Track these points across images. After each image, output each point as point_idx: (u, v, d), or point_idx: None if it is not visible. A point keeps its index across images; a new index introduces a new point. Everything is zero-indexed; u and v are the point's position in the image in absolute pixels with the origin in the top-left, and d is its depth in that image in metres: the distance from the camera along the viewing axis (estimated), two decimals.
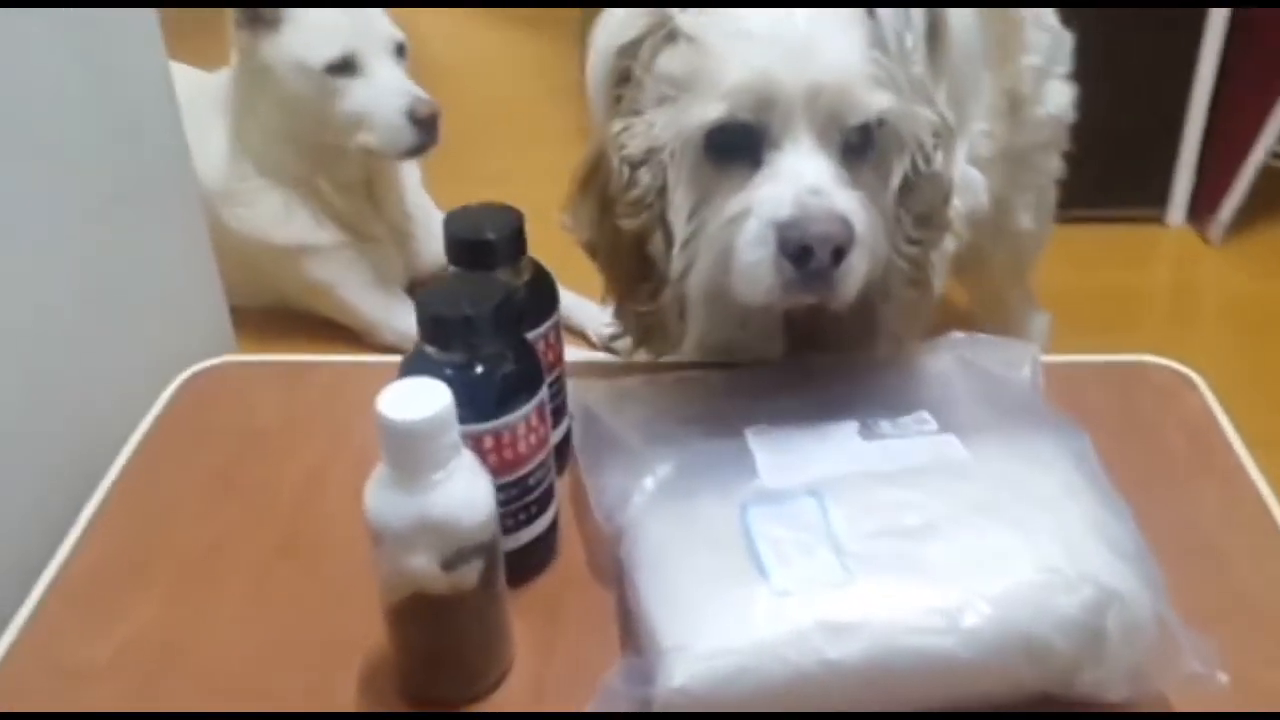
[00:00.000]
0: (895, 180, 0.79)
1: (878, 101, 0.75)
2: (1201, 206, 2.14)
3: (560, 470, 0.85)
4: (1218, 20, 1.98)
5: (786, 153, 0.74)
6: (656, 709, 0.64)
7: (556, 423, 0.86)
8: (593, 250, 0.85)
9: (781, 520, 0.70)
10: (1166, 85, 2.05)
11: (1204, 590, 0.76)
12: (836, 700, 0.64)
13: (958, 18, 0.88)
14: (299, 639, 0.77)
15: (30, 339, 0.97)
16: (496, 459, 0.73)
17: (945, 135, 0.80)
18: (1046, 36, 1.29)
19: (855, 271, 0.74)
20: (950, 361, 0.86)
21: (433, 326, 0.71)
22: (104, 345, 1.07)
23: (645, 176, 0.78)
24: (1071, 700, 0.66)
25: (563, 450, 0.85)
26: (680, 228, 0.78)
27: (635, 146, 0.78)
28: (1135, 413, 0.94)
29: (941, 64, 0.83)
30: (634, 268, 0.82)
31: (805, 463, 0.75)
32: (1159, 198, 2.15)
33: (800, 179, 0.73)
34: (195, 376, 1.01)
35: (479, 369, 0.72)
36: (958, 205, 1.03)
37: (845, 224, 0.72)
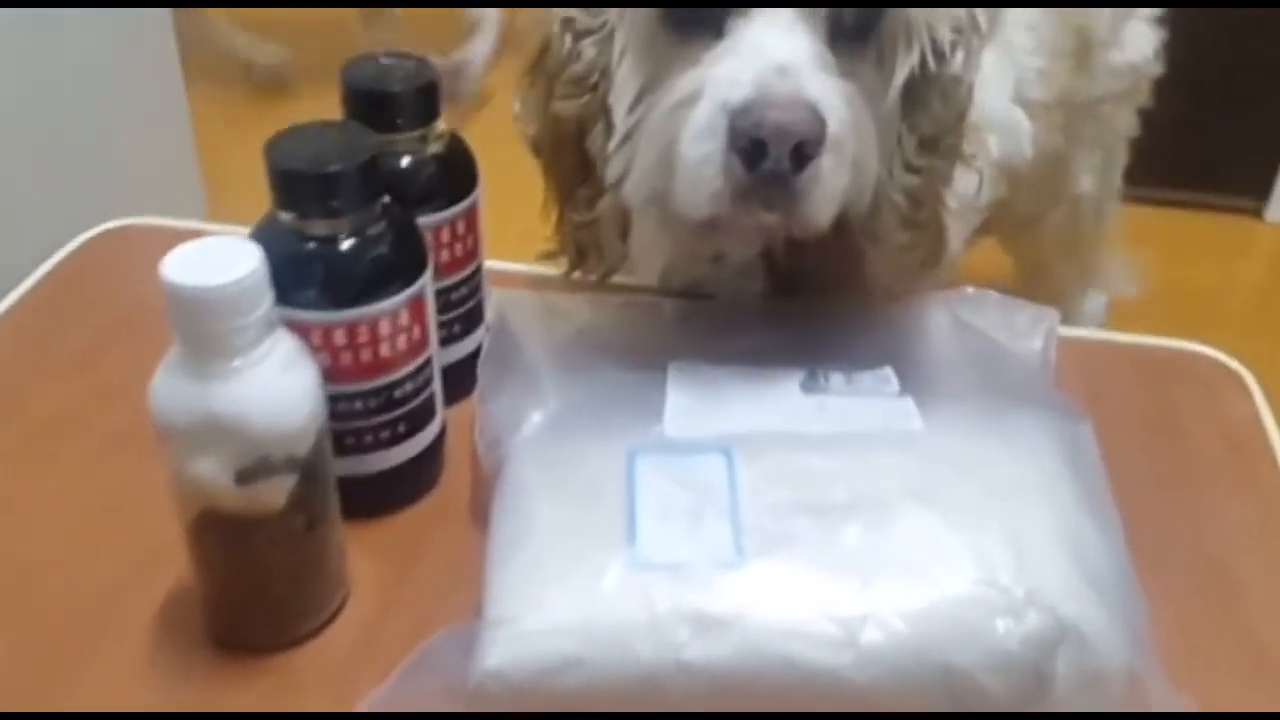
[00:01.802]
0: (898, 80, 0.63)
1: None
2: None
3: (465, 393, 0.71)
4: None
5: (756, 22, 0.59)
6: (469, 691, 0.50)
7: (466, 333, 0.73)
8: (537, 146, 0.71)
9: (676, 477, 0.56)
10: None
11: (1206, 625, 0.62)
12: (691, 707, 0.50)
13: None
14: (110, 544, 0.65)
15: None
16: (351, 359, 0.60)
17: (969, 34, 0.64)
18: None
19: (826, 184, 0.59)
20: (944, 319, 0.71)
21: (284, 184, 0.58)
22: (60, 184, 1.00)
23: (590, 49, 0.64)
24: None
25: (472, 369, 0.72)
26: (621, 116, 0.64)
27: (580, 6, 0.64)
28: (1165, 406, 0.78)
29: None
30: (574, 167, 0.68)
31: (724, 411, 0.60)
32: (1259, 189, 1.96)
33: (766, 54, 0.58)
34: (100, 237, 0.89)
35: (343, 244, 0.59)
36: (992, 148, 0.87)
37: (812, 114, 0.57)
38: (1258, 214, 1.98)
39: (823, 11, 0.60)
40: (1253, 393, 0.79)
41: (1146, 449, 0.73)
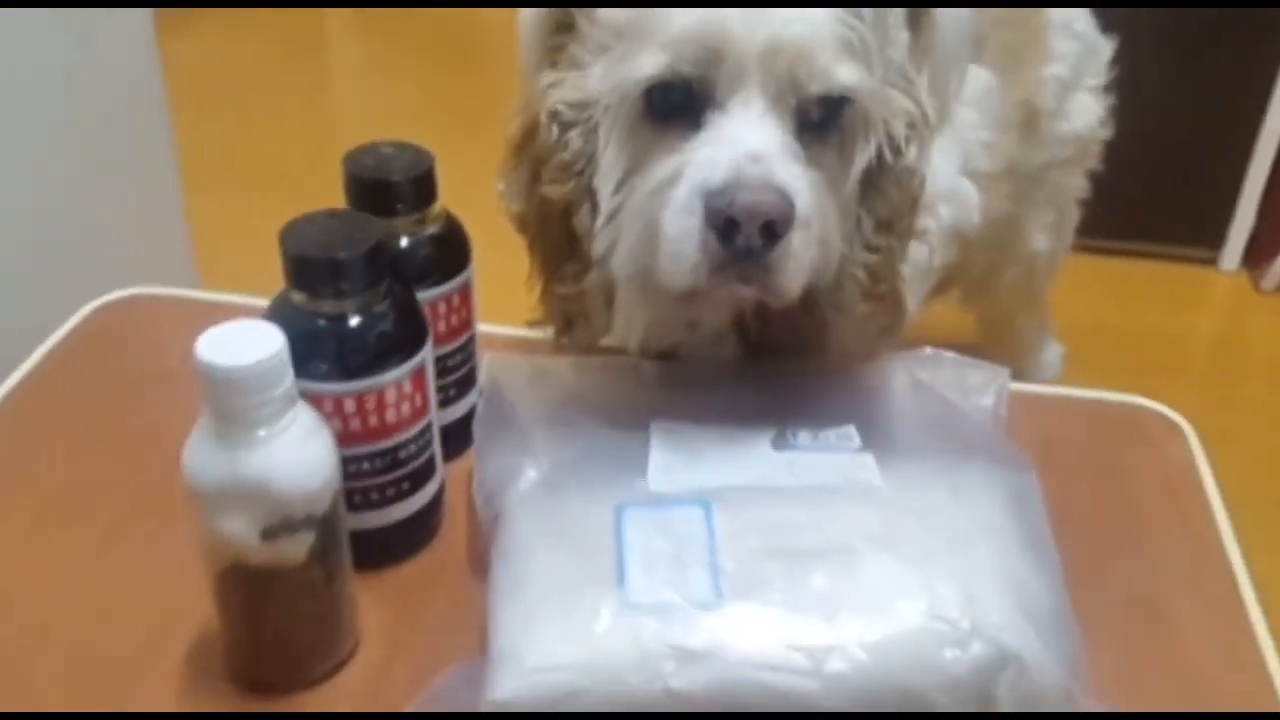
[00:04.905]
0: (857, 168, 0.70)
1: (845, 74, 0.66)
2: (1259, 252, 2.01)
3: (461, 450, 0.77)
4: None
5: (731, 116, 0.66)
6: None
7: (461, 396, 0.79)
8: (522, 224, 0.78)
9: (660, 528, 0.62)
10: (1234, 117, 1.92)
11: (1145, 660, 0.68)
12: None
13: (946, 12, 0.79)
14: (138, 600, 0.70)
15: None
16: (360, 425, 0.66)
17: (921, 128, 0.72)
18: (1075, 45, 1.18)
19: (795, 259, 0.66)
20: (903, 379, 0.78)
21: (297, 268, 0.64)
22: (55, 258, 1.05)
23: (577, 139, 0.71)
24: None
25: (467, 428, 0.78)
26: (606, 198, 0.70)
27: (567, 100, 0.70)
28: (1109, 458, 0.84)
29: (924, 52, 0.74)
30: (560, 244, 0.74)
31: (702, 467, 0.66)
32: (1214, 239, 2.02)
33: (741, 144, 0.65)
34: (105, 307, 0.95)
35: (351, 322, 0.65)
36: (943, 216, 0.94)
37: (782, 197, 0.64)
38: (1212, 263, 2.04)
39: (791, 107, 0.66)
40: (1191, 443, 0.85)
41: (1092, 496, 0.80)
